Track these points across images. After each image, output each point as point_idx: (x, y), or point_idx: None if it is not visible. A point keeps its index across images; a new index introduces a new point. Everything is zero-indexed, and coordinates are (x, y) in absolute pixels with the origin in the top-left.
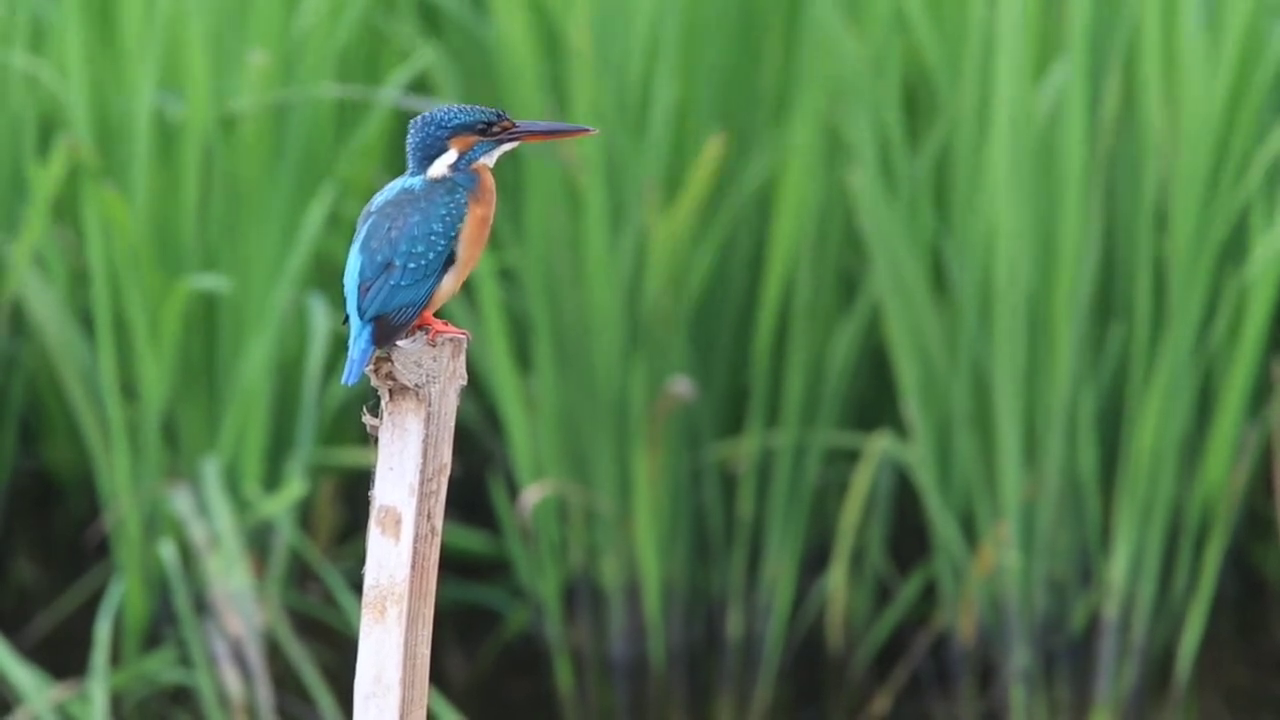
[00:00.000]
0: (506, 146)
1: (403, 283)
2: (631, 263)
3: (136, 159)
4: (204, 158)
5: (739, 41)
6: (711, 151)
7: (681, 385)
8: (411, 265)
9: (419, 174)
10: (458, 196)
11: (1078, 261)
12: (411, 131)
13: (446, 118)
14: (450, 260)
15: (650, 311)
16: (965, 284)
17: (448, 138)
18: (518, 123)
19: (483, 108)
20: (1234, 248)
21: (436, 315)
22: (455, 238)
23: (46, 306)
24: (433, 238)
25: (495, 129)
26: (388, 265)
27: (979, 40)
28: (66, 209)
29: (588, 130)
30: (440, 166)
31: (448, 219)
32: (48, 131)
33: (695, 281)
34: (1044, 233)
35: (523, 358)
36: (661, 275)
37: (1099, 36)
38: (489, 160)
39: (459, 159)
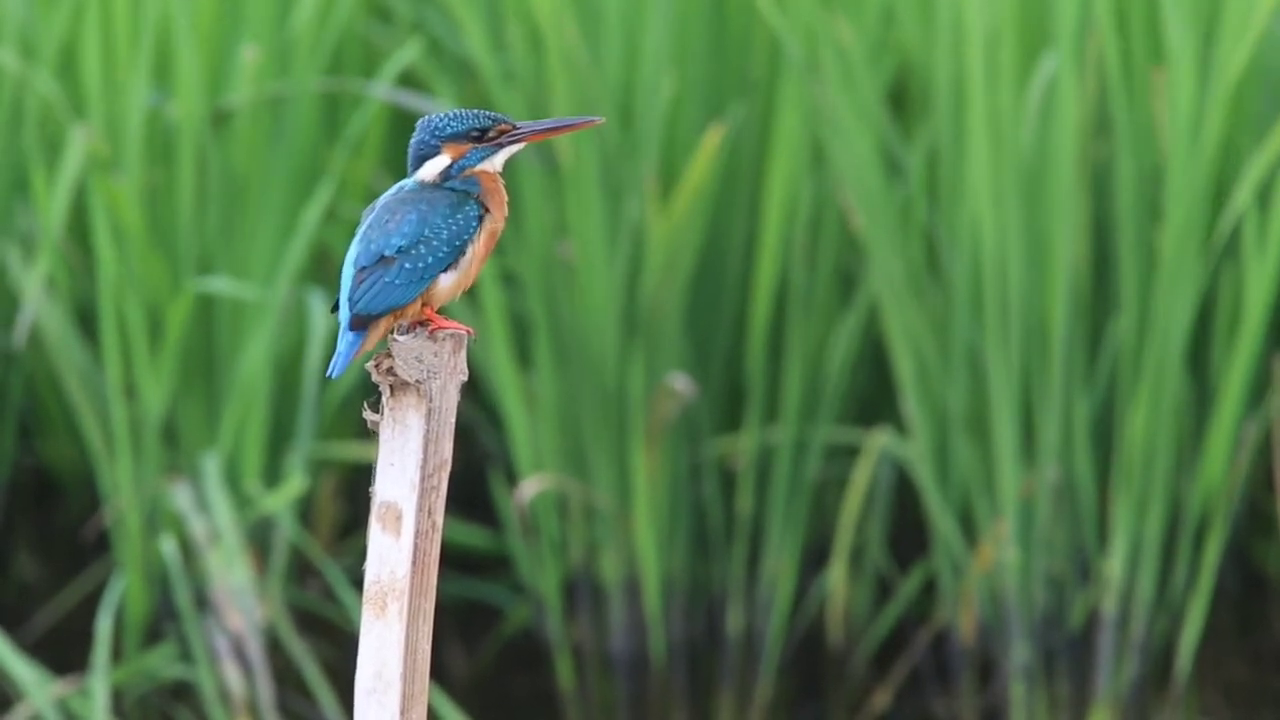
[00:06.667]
0: (509, 150)
1: (397, 281)
2: (628, 256)
3: (131, 155)
4: (199, 154)
5: (727, 31)
6: (709, 143)
7: (681, 382)
8: (408, 265)
9: (413, 175)
10: (468, 210)
11: (1070, 258)
12: (414, 134)
13: (441, 125)
14: (449, 268)
15: (647, 306)
16: (958, 281)
17: (440, 144)
18: (518, 124)
19: (479, 112)
20: (1230, 240)
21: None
22: (461, 248)
23: (45, 305)
24: (435, 242)
25: (491, 134)
26: (382, 258)
27: (953, 33)
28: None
29: (594, 121)
30: (430, 170)
31: (454, 228)
32: (45, 130)
33: (691, 273)
34: (1035, 229)
35: (523, 355)
36: (659, 268)
37: (1084, 27)
38: (491, 165)
39: (451, 165)
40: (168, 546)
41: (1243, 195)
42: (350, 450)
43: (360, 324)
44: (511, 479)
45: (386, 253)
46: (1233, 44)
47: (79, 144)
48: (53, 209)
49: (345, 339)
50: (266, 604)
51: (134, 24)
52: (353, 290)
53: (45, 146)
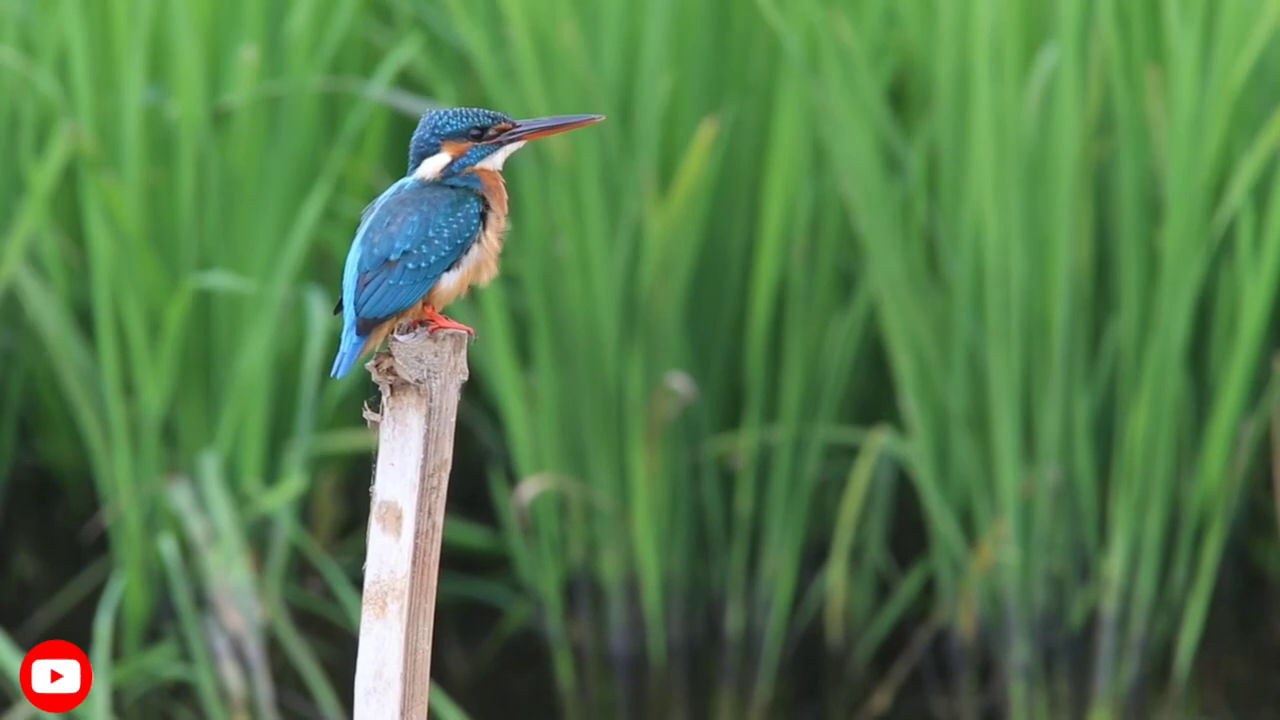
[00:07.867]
0: (510, 148)
1: (401, 283)
2: (627, 255)
3: (129, 154)
4: (198, 154)
5: (727, 29)
6: (705, 136)
7: (679, 382)
8: (411, 266)
9: (413, 172)
10: (469, 207)
11: (1071, 257)
12: (415, 130)
13: (440, 123)
14: (451, 266)
15: (646, 304)
16: (958, 280)
17: (440, 142)
18: (519, 122)
19: (479, 111)
20: (1228, 240)
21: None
22: (463, 246)
23: (43, 304)
24: (437, 242)
25: (491, 132)
26: (386, 261)
27: (957, 28)
28: (63, 208)
29: (594, 119)
30: (430, 168)
31: (455, 226)
32: (43, 130)
33: (691, 272)
34: (1036, 228)
35: (524, 354)
36: (657, 264)
37: (1086, 23)
38: (491, 164)
39: (452, 163)
40: (167, 546)
41: (1237, 195)
42: (350, 440)
43: (366, 328)
44: (511, 479)
45: (390, 256)
46: (1234, 43)
47: (64, 138)
48: (39, 182)
49: (350, 340)
50: (265, 603)
51: (127, 22)
52: (357, 293)
53: (43, 146)
